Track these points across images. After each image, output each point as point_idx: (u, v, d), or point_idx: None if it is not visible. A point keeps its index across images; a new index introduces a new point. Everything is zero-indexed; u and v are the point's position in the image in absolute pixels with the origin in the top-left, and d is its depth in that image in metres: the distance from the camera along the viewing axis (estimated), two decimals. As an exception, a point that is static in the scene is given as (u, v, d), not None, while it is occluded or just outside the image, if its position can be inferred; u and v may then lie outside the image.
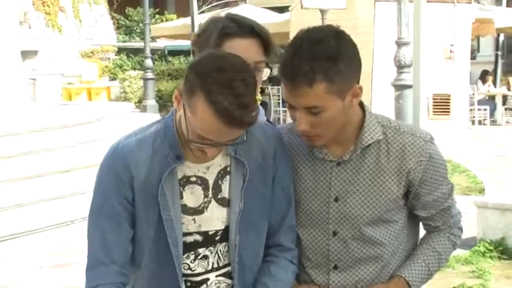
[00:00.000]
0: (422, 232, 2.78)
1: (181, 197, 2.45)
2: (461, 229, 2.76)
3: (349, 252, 2.59)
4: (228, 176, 2.49)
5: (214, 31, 2.70)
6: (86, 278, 2.48)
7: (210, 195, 2.48)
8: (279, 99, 17.28)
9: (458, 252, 7.22)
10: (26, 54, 15.27)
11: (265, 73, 2.79)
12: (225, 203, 2.50)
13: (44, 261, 7.82)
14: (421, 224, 2.76)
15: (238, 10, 20.50)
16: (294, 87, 2.36)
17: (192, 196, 2.47)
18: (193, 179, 2.46)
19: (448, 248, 2.71)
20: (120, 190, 2.41)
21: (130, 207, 2.43)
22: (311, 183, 2.59)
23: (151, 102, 19.99)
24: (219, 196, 2.49)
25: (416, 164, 2.54)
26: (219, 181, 2.49)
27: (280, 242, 2.59)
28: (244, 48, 2.64)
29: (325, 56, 2.35)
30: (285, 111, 16.47)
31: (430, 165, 2.56)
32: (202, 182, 2.47)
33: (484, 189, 11.11)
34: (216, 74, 2.21)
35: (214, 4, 22.42)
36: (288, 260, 2.58)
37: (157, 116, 15.72)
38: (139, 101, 20.76)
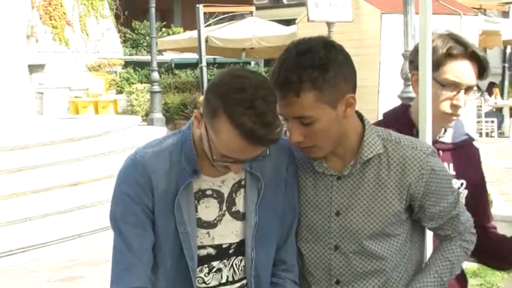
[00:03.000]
0: (428, 245, 2.78)
1: (196, 211, 2.46)
2: (474, 234, 2.74)
3: (351, 266, 2.58)
4: (242, 190, 2.51)
5: (440, 49, 2.85)
6: (120, 280, 2.43)
7: (224, 209, 2.50)
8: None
9: (467, 265, 7.18)
10: (33, 68, 15.27)
11: (474, 95, 2.97)
12: (239, 216, 2.52)
13: (52, 274, 7.82)
14: (428, 236, 2.76)
15: (245, 23, 20.56)
16: (282, 98, 2.36)
17: (207, 210, 2.48)
18: (209, 192, 2.48)
19: (461, 255, 2.70)
20: (141, 199, 2.42)
21: (151, 215, 2.44)
22: (312, 197, 2.59)
23: (158, 115, 20.00)
24: (233, 209, 2.51)
25: (417, 178, 2.54)
26: (233, 194, 2.51)
27: (285, 259, 2.61)
28: (462, 70, 2.85)
29: (313, 65, 2.37)
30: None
31: (432, 178, 2.56)
32: (218, 195, 2.49)
33: (491, 202, 11.07)
34: (237, 95, 2.22)
35: (220, 17, 22.46)
36: (293, 283, 2.61)
37: (164, 129, 15.78)
38: (146, 114, 20.77)
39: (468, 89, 2.88)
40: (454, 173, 2.91)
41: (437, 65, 2.83)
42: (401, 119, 2.96)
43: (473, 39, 15.09)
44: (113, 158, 10.53)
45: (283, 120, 2.44)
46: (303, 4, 14.45)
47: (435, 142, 2.87)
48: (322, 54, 2.39)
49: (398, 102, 11.41)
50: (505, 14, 21.86)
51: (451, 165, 2.92)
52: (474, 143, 3.12)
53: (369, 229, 2.55)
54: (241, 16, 22.96)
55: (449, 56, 2.85)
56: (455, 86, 2.86)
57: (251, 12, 22.71)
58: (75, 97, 22.20)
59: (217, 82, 2.31)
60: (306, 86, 2.36)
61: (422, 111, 2.79)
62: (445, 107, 2.87)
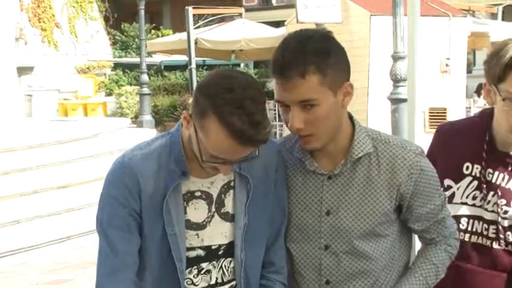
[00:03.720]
0: (416, 247, 2.78)
1: (185, 212, 2.46)
2: (458, 240, 2.75)
3: (341, 266, 2.57)
4: (231, 191, 2.51)
5: (503, 58, 2.68)
6: (103, 285, 2.44)
7: (213, 210, 2.50)
8: (275, 114, 17.31)
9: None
10: (22, 70, 15.25)
11: None
12: (228, 217, 2.51)
13: (41, 277, 7.80)
14: (416, 239, 2.76)
15: (235, 25, 20.56)
16: (287, 81, 2.37)
17: (196, 211, 2.48)
18: (197, 193, 2.47)
19: (445, 259, 2.70)
20: (129, 202, 2.41)
21: (139, 218, 2.43)
22: (302, 197, 2.59)
23: (147, 117, 20.00)
24: (222, 211, 2.51)
25: (407, 177, 2.54)
26: (222, 196, 2.50)
27: (274, 260, 2.60)
28: None
29: (316, 50, 2.39)
30: (281, 126, 16.46)
31: (421, 178, 2.56)
32: (207, 196, 2.48)
33: None
34: (226, 95, 2.22)
35: (210, 19, 22.45)
36: (282, 285, 2.61)
37: (153, 131, 15.76)
38: (136, 117, 20.76)
39: None
40: None
41: (498, 72, 2.68)
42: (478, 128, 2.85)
43: (462, 41, 15.16)
44: (102, 160, 10.51)
45: (283, 111, 2.45)
46: (292, 6, 14.46)
47: (507, 155, 2.80)
48: (323, 41, 2.43)
49: (387, 104, 11.46)
50: (494, 16, 21.92)
51: None
52: None
53: (360, 228, 2.55)
54: (231, 18, 22.94)
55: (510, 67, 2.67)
56: None
57: (240, 14, 22.68)
58: (64, 99, 22.18)
59: (206, 82, 2.31)
60: (311, 68, 2.37)
61: (411, 110, 2.79)
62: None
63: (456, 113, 14.80)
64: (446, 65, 14.93)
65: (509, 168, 2.79)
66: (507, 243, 2.82)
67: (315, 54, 2.38)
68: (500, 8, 21.51)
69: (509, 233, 2.81)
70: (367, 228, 2.55)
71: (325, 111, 2.43)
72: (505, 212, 2.79)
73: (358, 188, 2.55)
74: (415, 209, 2.60)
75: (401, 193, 2.55)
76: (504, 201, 2.79)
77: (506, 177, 2.79)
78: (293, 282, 2.64)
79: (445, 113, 14.68)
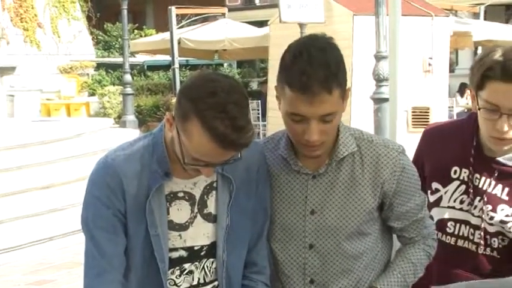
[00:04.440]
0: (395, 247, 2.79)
1: (168, 213, 2.46)
2: (435, 240, 2.77)
3: (326, 265, 2.59)
4: (214, 192, 2.51)
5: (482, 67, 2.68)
6: (92, 286, 2.44)
7: (196, 211, 2.50)
8: (258, 114, 17.30)
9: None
10: (4, 70, 15.19)
11: None
12: (210, 218, 2.52)
13: (24, 278, 7.76)
14: (395, 238, 2.78)
15: (218, 25, 20.53)
16: (312, 96, 2.35)
17: (179, 212, 2.48)
18: (180, 194, 2.47)
19: (423, 259, 2.72)
20: (113, 202, 2.41)
21: (123, 219, 2.43)
22: (287, 196, 2.60)
23: (130, 117, 19.92)
24: (205, 211, 2.51)
25: (390, 175, 2.56)
26: (205, 196, 2.51)
27: (256, 261, 2.62)
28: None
29: (335, 62, 2.38)
30: (264, 126, 16.46)
31: (403, 176, 2.59)
32: (190, 197, 2.49)
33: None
34: (209, 99, 2.21)
35: (193, 19, 22.42)
36: (264, 285, 2.62)
37: (136, 132, 15.72)
38: (119, 117, 20.68)
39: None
40: (506, 198, 2.78)
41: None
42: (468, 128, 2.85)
43: (444, 40, 15.21)
44: (85, 161, 10.46)
45: (292, 122, 2.43)
46: (276, 5, 14.45)
47: (493, 161, 2.80)
48: (336, 51, 2.43)
49: (370, 103, 11.46)
50: (476, 15, 21.99)
51: (506, 189, 2.78)
52: None
53: (344, 227, 2.56)
54: (214, 18, 22.92)
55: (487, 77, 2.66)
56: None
57: (223, 14, 22.65)
58: (47, 99, 22.06)
59: (189, 85, 2.30)
60: (335, 82, 2.37)
61: (393, 110, 2.80)
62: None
63: (439, 112, 14.85)
64: (429, 65, 14.98)
65: (496, 174, 2.79)
66: (492, 249, 2.83)
67: (336, 66, 2.38)
68: (483, 7, 21.58)
69: (494, 239, 2.81)
70: (352, 226, 2.56)
71: (338, 121, 2.46)
72: (491, 218, 2.79)
73: (343, 187, 2.56)
74: (396, 207, 2.62)
75: (385, 191, 2.57)
76: (490, 207, 2.79)
77: (493, 182, 2.79)
78: (277, 282, 2.65)
79: (428, 112, 14.72)
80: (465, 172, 2.83)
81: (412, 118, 14.43)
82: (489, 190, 2.79)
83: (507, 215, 2.78)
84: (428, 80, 14.96)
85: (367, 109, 11.01)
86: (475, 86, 2.69)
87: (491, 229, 2.81)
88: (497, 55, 2.63)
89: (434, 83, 15.04)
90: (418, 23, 14.38)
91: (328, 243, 2.58)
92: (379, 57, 10.33)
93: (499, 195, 2.79)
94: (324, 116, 2.39)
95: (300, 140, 2.46)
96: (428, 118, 14.30)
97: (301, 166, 2.58)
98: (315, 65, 2.34)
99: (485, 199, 2.79)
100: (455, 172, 2.85)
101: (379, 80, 10.36)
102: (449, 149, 2.87)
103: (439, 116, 15.30)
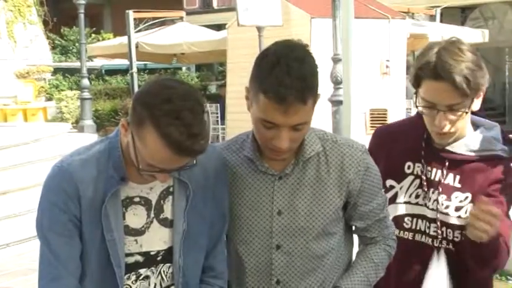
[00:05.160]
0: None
1: (124, 218, 2.45)
2: (395, 240, 2.80)
3: (292, 265, 2.60)
4: (170, 197, 2.50)
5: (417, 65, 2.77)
6: None
7: (152, 216, 2.49)
8: (217, 117, 17.29)
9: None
10: (-41, 75, 15.04)
11: None
12: (167, 223, 2.51)
13: (-20, 285, 7.68)
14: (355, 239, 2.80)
15: (176, 28, 20.49)
16: (287, 107, 2.35)
17: (135, 217, 2.47)
18: (136, 199, 2.46)
19: (384, 258, 2.76)
20: (69, 208, 2.39)
21: (79, 224, 2.41)
22: (253, 198, 2.61)
23: (88, 122, 19.80)
24: (161, 216, 2.50)
25: (355, 174, 2.59)
26: (161, 201, 2.50)
27: (214, 265, 2.62)
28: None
29: (311, 74, 2.39)
30: (223, 129, 16.45)
31: (367, 175, 2.62)
32: (146, 202, 2.47)
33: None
34: (164, 105, 2.20)
35: (151, 23, 22.33)
36: None
37: (95, 136, 15.62)
38: (77, 121, 20.54)
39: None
40: (459, 185, 2.83)
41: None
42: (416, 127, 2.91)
43: (401, 43, 15.33)
44: (42, 166, 10.37)
45: (263, 128, 2.44)
46: (233, 9, 14.46)
47: (442, 151, 2.85)
48: (312, 60, 2.43)
49: (328, 106, 11.49)
50: (432, 18, 22.16)
51: (458, 177, 2.83)
52: None
53: (311, 227, 2.58)
54: (172, 21, 22.86)
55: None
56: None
57: (181, 18, 22.60)
58: (4, 105, 21.84)
59: (145, 92, 2.29)
60: (310, 93, 2.38)
61: (347, 112, 2.82)
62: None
63: (396, 114, 14.96)
64: (387, 67, 15.09)
65: (447, 164, 2.84)
66: (447, 241, 2.86)
67: (312, 77, 2.39)
68: (439, 10, 21.77)
69: (450, 230, 2.85)
70: (319, 226, 2.58)
71: (308, 128, 2.49)
72: (447, 207, 2.83)
73: (309, 187, 2.58)
74: (359, 206, 2.65)
75: (350, 190, 2.60)
76: (445, 197, 2.84)
77: (445, 172, 2.85)
78: (243, 282, 2.65)
79: (386, 114, 14.83)
80: (418, 166, 2.88)
81: (370, 120, 14.53)
82: (443, 181, 2.85)
83: (461, 201, 2.83)
84: (386, 82, 15.07)
85: (325, 111, 11.06)
86: (413, 83, 2.78)
87: (447, 220, 2.85)
88: (432, 53, 2.71)
89: (391, 85, 15.15)
90: (375, 26, 14.48)
91: (296, 243, 2.59)
92: (336, 60, 10.39)
93: (451, 184, 2.84)
94: (296, 126, 2.41)
95: (268, 145, 2.48)
96: (386, 120, 14.40)
97: (267, 167, 2.59)
98: (293, 77, 2.35)
99: (440, 189, 2.84)
100: (408, 167, 2.90)
101: (337, 82, 10.42)
102: (401, 146, 2.92)
103: (397, 117, 15.41)
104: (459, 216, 2.82)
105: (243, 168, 2.63)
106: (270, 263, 2.61)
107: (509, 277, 6.90)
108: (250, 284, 2.65)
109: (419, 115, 2.90)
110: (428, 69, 2.68)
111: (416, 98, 2.77)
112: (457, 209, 2.83)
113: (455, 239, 2.85)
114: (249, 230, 2.62)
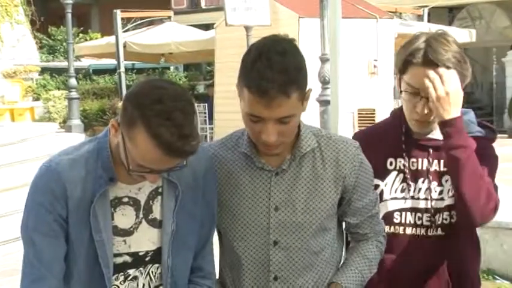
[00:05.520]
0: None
1: (113, 218, 2.44)
2: (385, 237, 2.82)
3: (290, 261, 2.61)
4: (159, 197, 2.50)
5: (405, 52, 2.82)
6: None
7: (141, 216, 2.48)
8: (205, 117, 17.28)
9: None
10: None
11: None
12: (156, 224, 2.50)
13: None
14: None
15: (164, 28, 20.47)
16: (269, 100, 2.36)
17: (123, 217, 2.46)
18: (125, 199, 2.45)
19: (377, 255, 2.77)
20: (55, 208, 2.37)
21: (65, 225, 2.39)
22: (250, 194, 2.61)
23: (76, 121, 19.74)
24: (150, 217, 2.49)
25: (350, 170, 2.62)
26: (150, 202, 2.49)
27: (202, 266, 2.62)
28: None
29: (294, 66, 2.40)
30: (211, 129, 16.44)
31: (361, 171, 2.65)
32: (135, 202, 2.47)
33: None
34: (155, 106, 2.19)
35: (138, 22, 22.31)
36: None
37: (82, 136, 15.57)
38: (64, 121, 20.49)
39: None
40: (445, 169, 2.85)
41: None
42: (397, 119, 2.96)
43: (389, 42, 15.36)
44: (30, 166, 10.33)
45: (250, 122, 2.46)
46: (221, 9, 14.47)
47: (423, 140, 2.89)
48: (297, 54, 2.45)
49: (316, 105, 11.48)
50: (420, 18, 22.21)
51: (442, 161, 2.86)
52: None
53: (308, 222, 2.59)
54: (160, 21, 22.84)
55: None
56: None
57: (169, 17, 22.58)
58: (-10, 105, 21.79)
59: (135, 92, 2.28)
60: (294, 86, 2.38)
61: (335, 112, 2.82)
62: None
63: (384, 113, 14.99)
64: (374, 67, 15.13)
65: (430, 151, 2.88)
66: (443, 227, 2.88)
67: (296, 70, 2.40)
68: (426, 10, 21.82)
69: (439, 215, 2.87)
70: (316, 221, 2.60)
71: (296, 121, 2.49)
72: (440, 192, 2.87)
73: (305, 182, 2.60)
74: (353, 202, 2.67)
75: (346, 185, 2.62)
76: (436, 183, 2.87)
77: (430, 160, 2.88)
78: (240, 280, 2.65)
79: (374, 113, 14.87)
80: (400, 161, 2.91)
81: (358, 120, 14.57)
82: (430, 168, 2.88)
83: (447, 180, 2.86)
84: (374, 82, 15.11)
85: (313, 111, 11.08)
86: (398, 69, 2.83)
87: (440, 205, 2.87)
88: (420, 41, 2.77)
89: (379, 84, 15.19)
90: (363, 25, 14.51)
91: (293, 239, 2.59)
92: (324, 60, 10.40)
93: (438, 169, 2.88)
94: (281, 118, 2.41)
95: (258, 139, 2.49)
96: (374, 119, 14.44)
97: (264, 163, 2.60)
98: (274, 70, 2.35)
99: (430, 177, 2.88)
100: (391, 163, 2.93)
101: (325, 82, 10.44)
102: (381, 145, 2.95)
103: (385, 117, 15.44)
104: (452, 196, 2.84)
105: (239, 165, 2.63)
106: (267, 259, 2.61)
107: (496, 276, 6.95)
108: (247, 281, 2.64)
109: (394, 114, 2.98)
110: (418, 55, 2.74)
111: (400, 82, 2.83)
112: (450, 190, 2.86)
113: (445, 221, 2.88)
114: (246, 226, 2.62)
